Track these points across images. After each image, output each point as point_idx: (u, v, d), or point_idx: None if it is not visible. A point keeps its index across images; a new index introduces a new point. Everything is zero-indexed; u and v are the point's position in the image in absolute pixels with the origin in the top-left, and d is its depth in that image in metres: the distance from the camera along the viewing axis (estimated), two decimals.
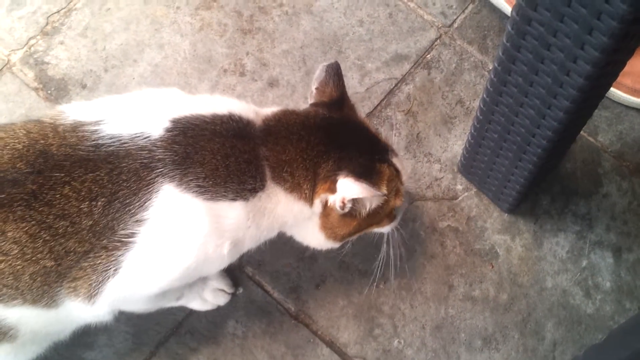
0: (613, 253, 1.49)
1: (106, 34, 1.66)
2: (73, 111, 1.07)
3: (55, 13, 1.68)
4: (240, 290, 1.44)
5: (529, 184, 1.34)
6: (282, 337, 1.41)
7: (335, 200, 1.11)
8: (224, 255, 1.08)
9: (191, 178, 1.01)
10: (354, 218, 1.17)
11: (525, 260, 1.48)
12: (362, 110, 1.60)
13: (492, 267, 1.48)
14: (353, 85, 1.62)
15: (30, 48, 1.65)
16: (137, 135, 1.02)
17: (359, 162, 1.13)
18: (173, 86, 1.56)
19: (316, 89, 1.20)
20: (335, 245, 1.25)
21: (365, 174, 1.12)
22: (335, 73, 1.19)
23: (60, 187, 0.99)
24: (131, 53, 1.65)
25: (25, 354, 1.21)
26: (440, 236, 1.50)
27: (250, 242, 1.16)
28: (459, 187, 1.54)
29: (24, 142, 1.01)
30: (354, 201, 1.12)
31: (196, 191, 1.02)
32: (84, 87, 1.61)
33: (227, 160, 1.05)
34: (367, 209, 1.17)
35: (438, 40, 1.68)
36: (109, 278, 1.03)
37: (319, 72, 1.20)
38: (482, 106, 1.23)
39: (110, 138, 1.01)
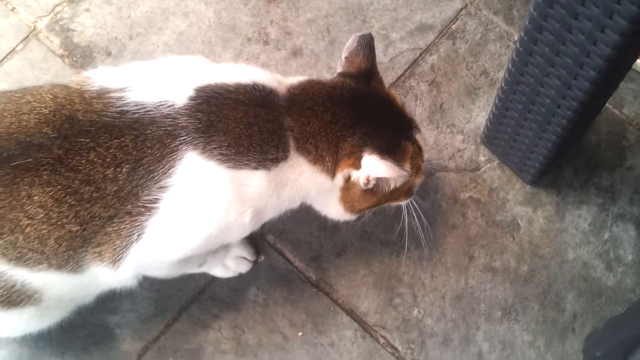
0: (636, 226, 1.48)
1: (131, 1, 1.67)
2: (99, 77, 1.08)
3: None
4: (262, 258, 1.45)
5: (552, 155, 1.34)
6: (303, 305, 1.43)
7: (359, 176, 1.12)
8: (245, 223, 1.09)
9: (214, 146, 1.02)
10: (375, 194, 1.18)
11: (546, 232, 1.48)
12: (386, 80, 1.59)
13: (513, 238, 1.48)
14: (377, 55, 1.59)
15: (56, 15, 1.66)
16: (162, 103, 1.03)
17: (385, 138, 1.13)
18: (197, 54, 1.58)
19: (346, 58, 1.19)
20: (352, 217, 1.26)
21: (390, 151, 1.12)
22: (367, 44, 1.19)
23: (85, 152, 1.00)
24: (156, 21, 1.65)
25: (50, 317, 1.23)
26: (462, 207, 1.50)
27: (272, 211, 1.17)
28: (482, 158, 1.54)
29: (50, 107, 1.02)
30: (378, 179, 1.13)
31: (219, 159, 1.02)
32: (109, 54, 1.62)
33: (250, 129, 1.05)
34: (391, 187, 1.17)
35: (463, 10, 1.66)
36: (132, 243, 1.04)
37: (350, 42, 1.19)
38: (507, 76, 1.23)
39: (135, 105, 1.02)
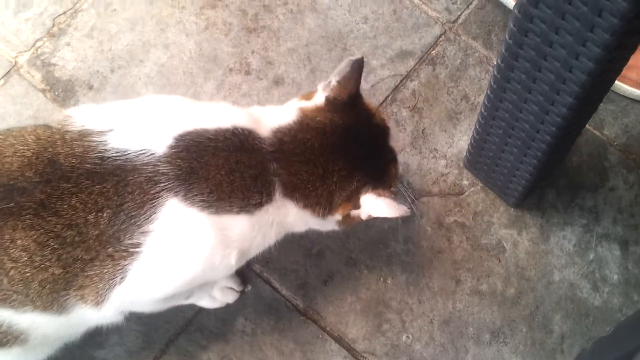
0: (620, 246, 1.49)
1: (112, 34, 1.67)
2: (80, 116, 1.08)
3: (61, 14, 1.69)
4: (249, 287, 1.45)
5: (534, 178, 1.35)
6: (291, 334, 1.42)
7: (360, 213, 1.16)
8: (231, 264, 1.10)
9: (195, 193, 1.03)
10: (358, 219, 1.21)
11: (532, 254, 1.49)
12: None
13: (499, 261, 1.48)
14: None
15: (37, 50, 1.66)
16: (142, 151, 1.03)
17: (376, 174, 1.17)
18: (179, 86, 1.59)
19: (337, 82, 1.17)
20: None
21: (383, 183, 1.17)
22: (359, 69, 1.18)
23: (67, 197, 1.00)
24: (137, 53, 1.66)
25: (36, 356, 1.22)
26: (447, 231, 1.50)
27: (258, 249, 1.18)
28: (465, 182, 1.54)
29: (33, 149, 1.03)
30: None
31: (200, 205, 1.03)
32: (90, 88, 1.62)
33: (232, 176, 1.06)
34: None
35: (443, 36, 1.68)
36: (115, 285, 1.04)
37: (344, 66, 1.17)
38: (486, 102, 1.24)
39: (116, 152, 1.03)
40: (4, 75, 1.63)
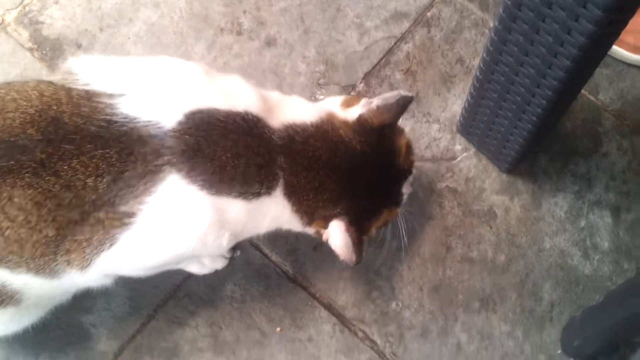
0: (612, 213, 1.48)
1: None
2: (85, 72, 1.05)
3: None
4: (238, 253, 1.43)
5: (528, 143, 1.33)
6: (280, 300, 1.41)
7: (324, 232, 1.18)
8: (223, 245, 1.09)
9: (198, 172, 1.01)
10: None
11: (523, 221, 1.48)
12: (361, 69, 1.57)
13: (490, 228, 1.47)
14: (352, 44, 1.60)
15: (24, 7, 1.62)
16: (151, 122, 1.00)
17: (364, 212, 1.18)
18: (169, 46, 1.56)
19: (377, 106, 1.15)
20: None
21: (363, 223, 1.18)
22: (404, 104, 1.16)
23: (68, 159, 0.98)
24: (126, 12, 1.62)
25: (29, 317, 1.22)
26: (439, 197, 1.49)
27: (247, 235, 1.19)
28: (458, 147, 1.52)
29: (36, 106, 1.00)
30: None
31: (201, 185, 1.01)
32: (79, 46, 1.59)
33: (237, 160, 1.04)
34: None
35: None
36: (103, 251, 1.03)
37: (391, 96, 1.15)
38: (482, 65, 1.21)
39: (124, 117, 1.00)
40: None
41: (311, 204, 1.13)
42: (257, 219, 1.11)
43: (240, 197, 1.05)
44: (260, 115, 1.08)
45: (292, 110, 1.15)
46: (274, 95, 1.18)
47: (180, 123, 1.01)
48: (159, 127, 1.00)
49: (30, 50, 1.58)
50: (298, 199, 1.12)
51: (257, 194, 1.07)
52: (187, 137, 1.00)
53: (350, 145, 1.13)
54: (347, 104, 1.20)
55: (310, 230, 1.20)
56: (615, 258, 1.45)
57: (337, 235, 1.15)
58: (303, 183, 1.11)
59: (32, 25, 1.60)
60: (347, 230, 1.15)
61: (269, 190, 1.08)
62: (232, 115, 1.05)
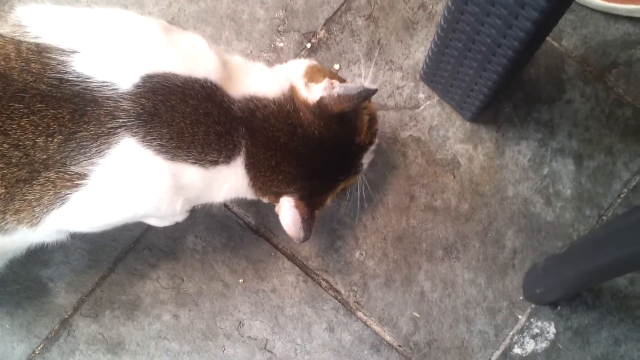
0: (574, 160, 1.48)
1: None
2: (35, 23, 0.99)
3: None
4: (199, 205, 1.40)
5: (492, 92, 1.31)
6: (243, 252, 1.40)
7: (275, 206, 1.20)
8: (176, 210, 1.08)
9: (154, 136, 0.98)
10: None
11: (487, 169, 1.47)
12: (322, 15, 1.53)
13: (454, 176, 1.46)
14: None
15: None
16: (106, 83, 0.96)
17: (317, 188, 1.19)
18: None
19: (338, 95, 1.12)
20: None
21: (315, 198, 1.19)
22: (365, 96, 1.14)
23: (17, 118, 0.94)
24: None
25: None
26: (402, 146, 1.47)
27: (202, 201, 1.18)
28: (421, 95, 1.50)
29: None
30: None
31: (157, 149, 0.99)
32: None
33: (196, 127, 1.01)
34: None
35: None
36: (53, 210, 1.00)
37: (353, 86, 1.13)
38: (446, 14, 1.18)
39: (77, 77, 0.96)
40: None
41: (266, 180, 1.13)
42: (213, 187, 1.10)
43: (197, 164, 1.03)
44: (219, 84, 1.05)
45: (255, 81, 1.12)
46: (237, 60, 1.15)
47: (136, 86, 0.97)
48: (114, 89, 0.96)
49: None
50: (255, 173, 1.12)
51: (215, 162, 1.05)
52: (143, 100, 0.97)
53: (309, 129, 1.13)
54: (310, 77, 1.18)
55: (264, 200, 1.20)
56: (577, 205, 1.46)
57: (286, 211, 1.17)
58: (261, 159, 1.11)
59: None
60: (297, 206, 1.16)
61: (227, 159, 1.06)
62: (191, 82, 1.01)
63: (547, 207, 1.46)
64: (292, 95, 1.13)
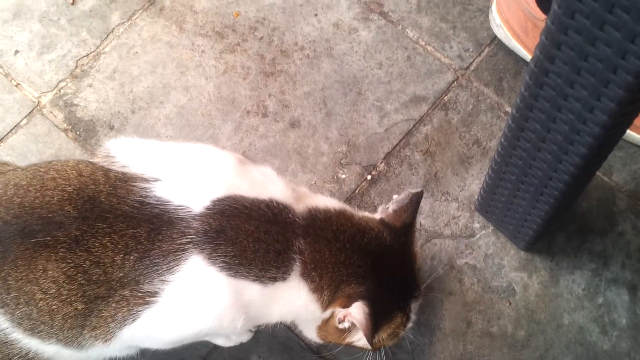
0: (629, 290, 1.52)
1: (133, 76, 1.72)
2: (122, 154, 1.11)
3: (84, 57, 1.74)
4: (263, 326, 1.46)
5: (545, 223, 1.37)
6: None
7: (340, 313, 1.16)
8: (237, 327, 1.11)
9: (219, 254, 1.05)
10: (346, 336, 1.23)
11: (542, 297, 1.51)
12: (382, 150, 1.64)
13: (510, 304, 1.51)
14: (372, 126, 1.67)
15: (59, 90, 1.71)
16: (181, 207, 1.05)
17: (383, 303, 1.16)
18: (198, 127, 1.63)
19: (394, 210, 1.21)
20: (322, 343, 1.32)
21: (379, 316, 1.15)
22: (417, 202, 1.22)
23: (101, 236, 1.03)
24: (157, 95, 1.70)
25: None
26: (458, 273, 1.53)
27: (260, 321, 1.21)
28: (476, 225, 1.58)
29: (74, 185, 1.06)
30: (352, 328, 1.19)
31: (221, 266, 1.05)
32: (111, 128, 1.66)
33: (258, 245, 1.07)
34: (357, 340, 1.23)
35: (455, 82, 1.73)
36: (126, 326, 1.07)
37: (402, 197, 1.22)
38: (499, 149, 1.27)
39: (157, 200, 1.05)
40: (27, 115, 1.67)
41: (335, 276, 1.13)
42: (270, 304, 1.13)
43: (257, 281, 1.08)
44: (286, 203, 1.12)
45: (316, 199, 1.20)
46: (302, 189, 1.24)
47: (207, 208, 1.06)
48: (188, 211, 1.05)
49: (65, 131, 1.66)
50: (320, 273, 1.13)
51: (274, 279, 1.09)
52: (211, 220, 1.05)
53: (378, 236, 1.17)
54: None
55: (325, 315, 1.19)
56: (633, 334, 1.48)
57: (362, 316, 1.11)
58: (327, 256, 1.12)
59: (66, 108, 1.69)
60: (369, 316, 1.11)
61: (284, 275, 1.10)
62: (257, 202, 1.09)
63: (603, 336, 1.48)
64: (353, 212, 1.21)
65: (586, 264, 1.54)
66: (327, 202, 1.20)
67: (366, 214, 1.24)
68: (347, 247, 1.13)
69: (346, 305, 1.14)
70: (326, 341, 1.27)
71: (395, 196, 1.26)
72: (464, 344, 1.48)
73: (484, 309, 1.50)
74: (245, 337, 1.44)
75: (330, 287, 1.14)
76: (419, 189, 1.23)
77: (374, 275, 1.15)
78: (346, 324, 1.16)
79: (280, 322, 1.28)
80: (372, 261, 1.15)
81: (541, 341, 1.48)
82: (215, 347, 1.44)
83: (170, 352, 1.38)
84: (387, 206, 1.23)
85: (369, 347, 1.19)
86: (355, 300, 1.13)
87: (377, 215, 1.23)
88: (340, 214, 1.17)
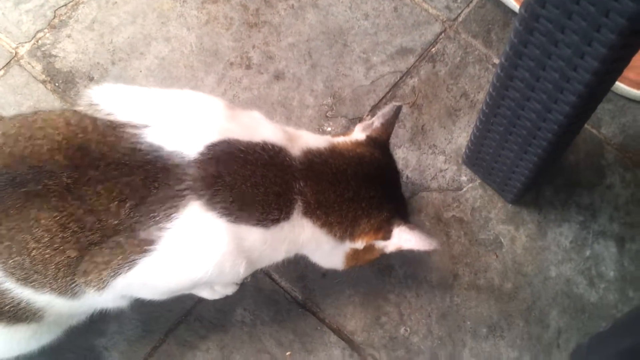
0: (616, 243, 1.51)
1: (113, 27, 1.68)
2: (107, 101, 1.08)
3: (62, 6, 1.70)
4: (248, 279, 1.46)
5: (533, 175, 1.36)
6: (290, 325, 1.44)
7: (387, 245, 1.23)
8: (239, 272, 1.11)
9: (218, 200, 1.03)
10: (375, 253, 1.27)
11: (529, 250, 1.51)
12: (368, 102, 1.62)
13: (497, 256, 1.50)
14: (358, 78, 1.64)
15: (37, 41, 1.66)
16: (174, 152, 1.03)
17: (403, 209, 1.27)
18: (180, 79, 1.60)
19: (381, 124, 1.27)
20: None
21: (406, 219, 1.24)
22: (398, 114, 1.30)
23: (94, 184, 1.01)
24: (138, 46, 1.66)
25: (49, 334, 1.26)
26: (445, 226, 1.52)
27: (264, 263, 1.21)
28: (464, 178, 1.56)
29: (63, 134, 1.03)
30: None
31: (220, 212, 1.03)
32: (91, 79, 1.63)
33: (256, 189, 1.07)
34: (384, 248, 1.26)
35: (443, 34, 1.70)
36: (121, 274, 1.05)
37: (388, 109, 1.28)
38: (488, 100, 1.25)
39: (150, 146, 1.03)
40: (5, 66, 1.63)
41: (348, 214, 1.17)
42: (274, 245, 1.13)
43: (258, 225, 1.08)
44: (280, 144, 1.12)
45: (305, 140, 1.19)
46: (289, 129, 1.22)
47: (201, 153, 1.04)
48: (182, 157, 1.03)
49: (44, 82, 1.62)
50: (326, 212, 1.15)
51: (276, 220, 1.10)
52: (207, 166, 1.03)
53: (373, 157, 1.22)
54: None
55: (346, 248, 1.23)
56: (620, 286, 1.48)
57: (409, 237, 1.20)
58: (332, 197, 1.15)
59: (45, 59, 1.65)
60: (413, 228, 1.20)
61: (287, 214, 1.11)
62: (251, 146, 1.08)
63: (591, 288, 1.48)
64: (336, 144, 1.22)
65: (574, 216, 1.53)
66: (317, 141, 1.20)
67: (352, 137, 1.26)
68: (352, 185, 1.17)
69: (385, 237, 1.21)
70: (351, 266, 1.30)
71: (379, 111, 1.30)
72: (450, 296, 1.47)
73: (470, 262, 1.50)
74: (230, 290, 1.43)
75: (343, 223, 1.18)
76: (400, 103, 1.31)
77: (385, 195, 1.21)
78: (404, 247, 1.22)
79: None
80: (378, 184, 1.20)
81: (528, 293, 1.48)
82: (200, 300, 1.43)
83: (156, 305, 1.36)
84: (370, 121, 1.28)
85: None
86: (389, 227, 1.20)
87: (361, 133, 1.27)
88: (332, 153, 1.19)
